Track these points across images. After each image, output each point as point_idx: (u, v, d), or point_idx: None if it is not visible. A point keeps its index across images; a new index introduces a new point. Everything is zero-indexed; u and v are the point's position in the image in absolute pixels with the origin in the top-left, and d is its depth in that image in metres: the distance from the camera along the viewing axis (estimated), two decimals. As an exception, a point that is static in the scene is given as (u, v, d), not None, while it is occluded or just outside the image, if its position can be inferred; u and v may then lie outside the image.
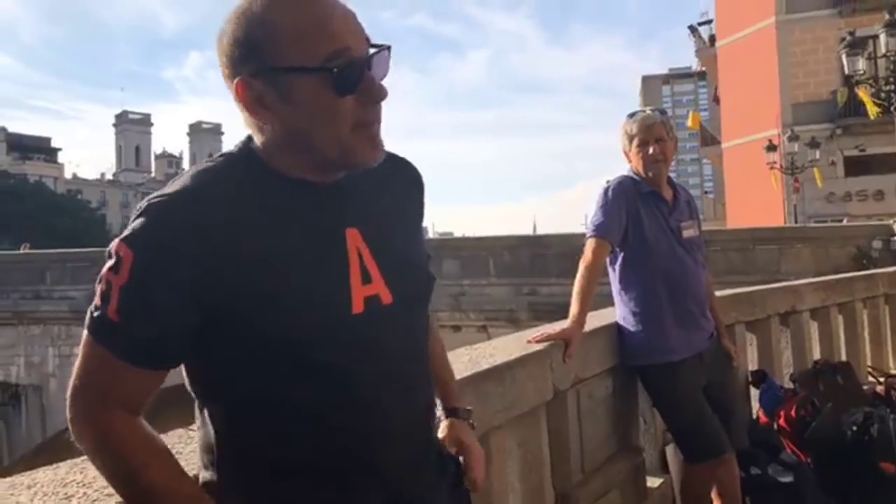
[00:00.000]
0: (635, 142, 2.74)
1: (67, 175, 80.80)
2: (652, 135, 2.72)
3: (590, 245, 2.71)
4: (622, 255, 2.77)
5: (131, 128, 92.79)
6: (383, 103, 0.98)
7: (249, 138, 1.02)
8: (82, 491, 1.08)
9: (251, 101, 0.95)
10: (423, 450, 1.09)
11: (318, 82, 0.93)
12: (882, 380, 4.54)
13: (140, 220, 0.92)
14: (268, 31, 0.93)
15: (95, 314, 0.94)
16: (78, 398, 0.96)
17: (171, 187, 0.95)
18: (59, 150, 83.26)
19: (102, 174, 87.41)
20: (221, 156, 1.03)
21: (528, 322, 12.13)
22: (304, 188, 0.99)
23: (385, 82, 0.98)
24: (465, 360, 2.05)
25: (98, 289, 0.94)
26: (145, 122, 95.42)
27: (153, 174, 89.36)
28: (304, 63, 0.92)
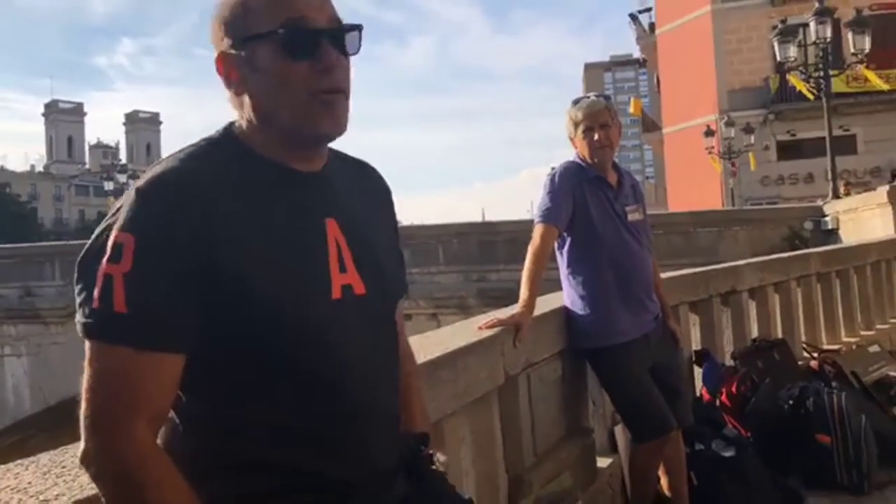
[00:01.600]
0: (580, 128, 2.77)
1: (-6, 167, 77.25)
2: (597, 121, 2.75)
3: (538, 230, 2.74)
4: (569, 239, 2.80)
5: (62, 118, 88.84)
6: (353, 85, 1.02)
7: (230, 124, 1.05)
8: (17, 497, 1.03)
9: (226, 74, 1.01)
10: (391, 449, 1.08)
11: (272, 47, 0.98)
12: (816, 355, 4.73)
13: (133, 205, 0.92)
14: (240, 7, 1.00)
15: (97, 316, 0.90)
16: (99, 422, 0.89)
17: (157, 170, 0.96)
18: (-16, 141, 79.41)
19: (32, 166, 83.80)
20: (202, 140, 1.04)
21: (478, 309, 12.20)
22: (287, 172, 1.02)
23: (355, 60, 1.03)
24: (417, 349, 2.03)
25: (95, 287, 0.90)
26: (77, 111, 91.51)
27: (88, 165, 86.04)
28: (263, 28, 0.98)
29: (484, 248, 12.88)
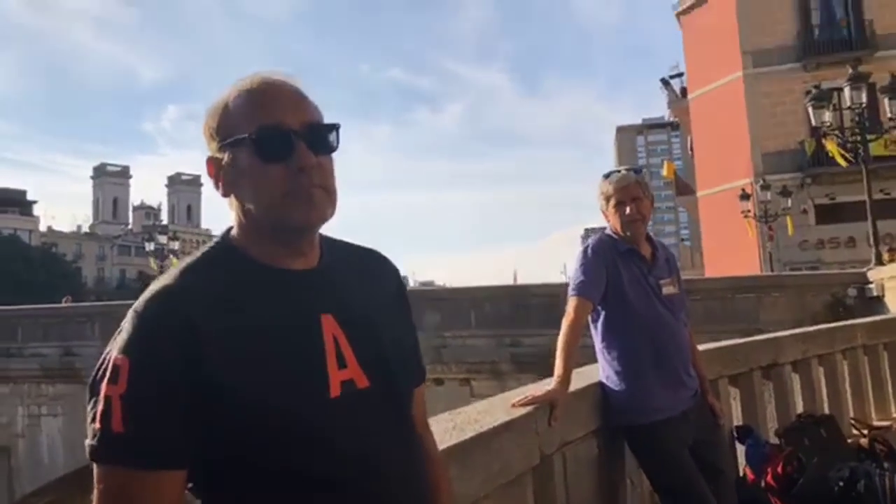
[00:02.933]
0: (612, 202, 2.78)
1: (42, 228, 79.94)
2: (628, 195, 2.76)
3: (571, 304, 2.71)
4: (603, 313, 2.77)
5: (109, 180, 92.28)
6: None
7: (228, 230, 1.09)
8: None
9: (214, 177, 1.07)
10: None
11: (248, 150, 1.02)
12: (865, 432, 4.53)
13: (129, 326, 0.96)
14: (224, 115, 1.06)
15: (99, 438, 0.92)
16: None
17: (152, 289, 1.00)
18: (35, 202, 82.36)
19: (79, 226, 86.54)
20: (200, 252, 1.08)
21: (510, 374, 12.03)
22: (279, 275, 1.04)
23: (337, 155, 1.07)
24: (450, 428, 2.00)
25: (96, 411, 0.93)
26: (123, 174, 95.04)
27: (131, 226, 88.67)
28: (241, 133, 1.03)
29: (517, 312, 12.76)
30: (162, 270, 26.42)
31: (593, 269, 2.72)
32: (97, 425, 0.92)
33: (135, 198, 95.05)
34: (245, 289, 1.01)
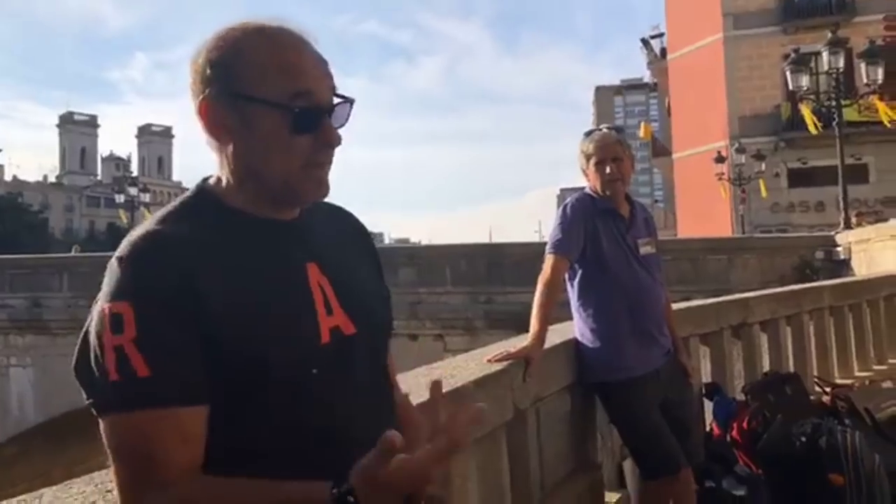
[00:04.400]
0: (592, 160, 2.76)
1: (7, 177, 77.90)
2: (609, 154, 2.74)
3: (548, 261, 2.72)
4: (580, 271, 2.78)
5: (76, 129, 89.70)
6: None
7: (203, 181, 1.06)
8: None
9: (211, 121, 1.00)
10: None
11: (277, 117, 0.97)
12: (828, 390, 4.65)
13: (118, 274, 0.93)
14: (241, 58, 0.98)
15: (121, 387, 0.88)
16: (138, 487, 0.89)
17: (134, 236, 0.96)
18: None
19: (45, 176, 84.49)
20: (178, 201, 1.04)
21: (484, 330, 12.14)
22: (263, 224, 1.02)
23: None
24: (424, 382, 2.00)
25: (105, 364, 0.89)
26: (91, 123, 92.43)
27: (100, 177, 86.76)
28: (269, 97, 0.97)
29: (491, 270, 12.84)
30: (132, 222, 26.01)
31: (571, 228, 2.72)
32: (115, 377, 0.88)
33: (103, 148, 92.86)
34: (232, 237, 0.99)
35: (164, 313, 0.90)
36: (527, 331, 2.59)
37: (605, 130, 2.83)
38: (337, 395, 0.99)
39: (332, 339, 1.00)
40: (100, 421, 0.91)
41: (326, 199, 1.16)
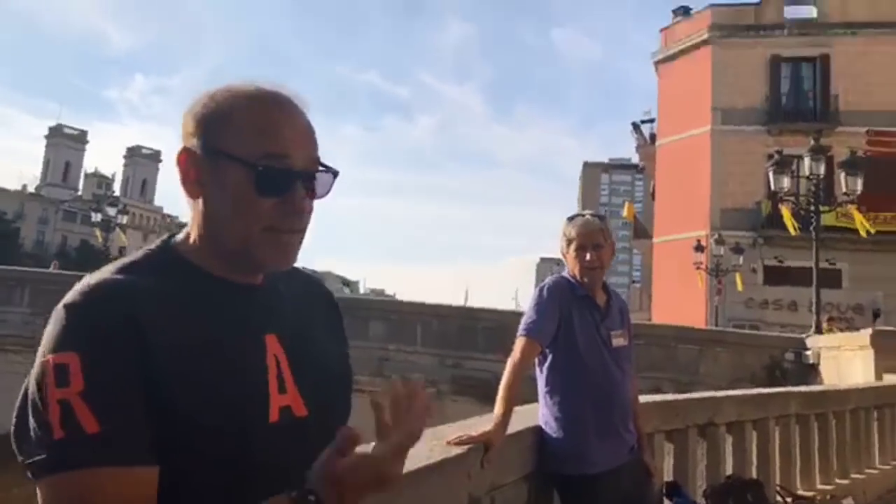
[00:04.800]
0: (573, 245, 2.73)
1: (-15, 183, 76.78)
2: (590, 241, 2.72)
3: (520, 343, 2.65)
4: (551, 356, 2.71)
5: (64, 142, 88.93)
6: (312, 219, 0.99)
7: (170, 237, 1.03)
8: None
9: (185, 172, 0.98)
10: None
11: (243, 175, 0.95)
12: (790, 500, 4.58)
13: (67, 322, 0.87)
14: (224, 118, 0.98)
15: (66, 445, 0.81)
16: None
17: (85, 283, 0.91)
18: (-19, 155, 79.40)
19: (24, 186, 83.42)
20: (141, 252, 1.01)
21: (448, 395, 11.95)
22: (226, 287, 0.98)
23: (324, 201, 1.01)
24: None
25: (48, 420, 0.81)
26: (80, 138, 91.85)
27: (80, 192, 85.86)
28: (238, 153, 0.95)
29: (463, 334, 12.74)
30: (107, 243, 25.61)
31: (546, 311, 2.67)
32: (60, 434, 0.81)
33: (88, 165, 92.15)
34: (190, 296, 0.94)
35: (112, 366, 0.84)
36: (492, 401, 2.51)
37: (588, 217, 2.81)
38: (278, 481, 0.90)
39: (281, 420, 0.94)
40: (38, 487, 0.82)
41: (297, 266, 1.10)
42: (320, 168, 0.99)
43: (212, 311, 0.95)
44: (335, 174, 1.00)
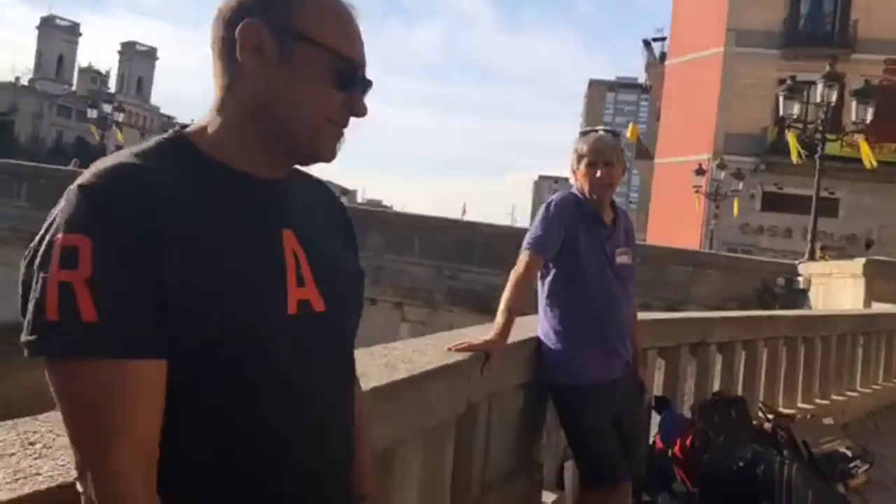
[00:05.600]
0: (584, 162, 2.69)
1: (-22, 73, 74.85)
2: (602, 158, 2.68)
3: (524, 257, 2.66)
4: (554, 271, 2.73)
5: (57, 34, 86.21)
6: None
7: (182, 127, 0.99)
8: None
9: (249, 47, 0.93)
10: (343, 482, 1.02)
11: (324, 63, 0.95)
12: (771, 417, 4.75)
13: (79, 202, 0.83)
14: (298, 3, 0.95)
15: (60, 330, 0.79)
16: (83, 453, 0.82)
17: (103, 165, 0.87)
18: (-28, 44, 76.98)
19: (17, 78, 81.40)
20: (153, 141, 0.96)
21: (444, 305, 12.15)
22: (243, 180, 0.95)
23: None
24: (381, 364, 1.94)
25: (46, 300, 0.79)
26: (73, 30, 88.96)
27: (74, 87, 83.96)
28: (326, 42, 0.95)
29: (460, 247, 12.82)
30: (103, 140, 25.29)
31: (552, 226, 2.66)
32: (54, 316, 0.79)
33: (82, 59, 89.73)
34: (208, 187, 0.92)
35: (125, 254, 0.81)
36: (487, 312, 2.54)
37: (601, 133, 2.76)
38: (295, 374, 0.92)
39: (299, 313, 0.93)
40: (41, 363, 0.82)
41: (306, 170, 1.09)
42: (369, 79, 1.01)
43: (230, 202, 0.92)
44: (370, 86, 1.02)
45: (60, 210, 0.83)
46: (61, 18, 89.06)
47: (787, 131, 15.26)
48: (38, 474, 0.98)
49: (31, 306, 0.81)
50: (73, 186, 0.85)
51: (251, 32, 0.93)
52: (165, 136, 0.97)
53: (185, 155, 0.93)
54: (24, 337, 0.81)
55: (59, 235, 0.81)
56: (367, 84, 1.01)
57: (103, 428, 0.81)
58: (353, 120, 1.00)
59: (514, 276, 2.64)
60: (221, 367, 0.87)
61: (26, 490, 0.93)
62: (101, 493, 0.82)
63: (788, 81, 13.85)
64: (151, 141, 0.96)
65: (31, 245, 0.85)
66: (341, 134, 1.00)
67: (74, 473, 0.90)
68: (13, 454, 1.06)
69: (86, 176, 0.85)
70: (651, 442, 3.77)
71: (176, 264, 0.84)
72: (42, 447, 1.09)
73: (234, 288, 0.88)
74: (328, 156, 1.00)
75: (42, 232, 0.84)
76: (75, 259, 0.80)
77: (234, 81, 0.95)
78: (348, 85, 0.98)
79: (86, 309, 0.79)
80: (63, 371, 0.81)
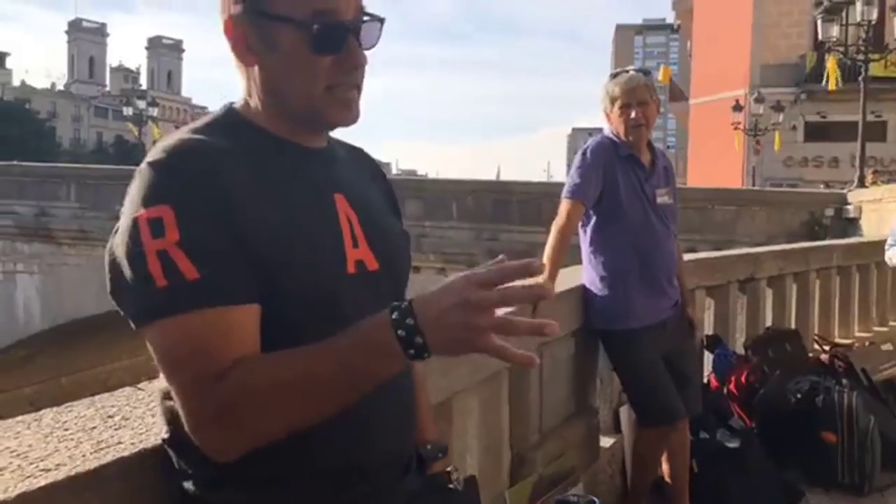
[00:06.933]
0: (617, 104, 2.67)
1: (16, 82, 76.79)
2: (635, 97, 2.65)
3: (564, 206, 2.67)
4: (595, 217, 2.73)
5: (85, 37, 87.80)
6: (367, 71, 0.99)
7: (230, 104, 1.04)
8: (16, 462, 0.99)
9: (236, 41, 0.98)
10: (408, 435, 1.07)
11: (297, 36, 0.95)
12: (827, 348, 4.67)
13: (153, 177, 0.89)
14: None
15: (169, 293, 0.85)
16: (203, 399, 0.85)
17: (168, 142, 0.94)
18: (8, 54, 78.93)
19: (53, 84, 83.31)
20: (208, 118, 1.02)
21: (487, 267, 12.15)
22: (294, 147, 1.01)
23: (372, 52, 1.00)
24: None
25: (146, 271, 0.85)
26: (100, 31, 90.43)
27: (108, 87, 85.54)
28: (288, 14, 0.95)
29: (497, 208, 12.79)
30: (141, 137, 25.76)
31: (589, 173, 2.66)
32: (163, 282, 0.84)
33: (112, 59, 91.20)
34: (264, 156, 0.97)
35: (205, 216, 0.87)
36: None
37: (632, 73, 2.72)
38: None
39: (358, 272, 0.99)
40: (146, 338, 0.88)
41: (344, 139, 1.14)
42: (367, 17, 0.98)
43: (285, 169, 0.98)
44: (381, 21, 1.00)
45: (136, 189, 0.90)
46: (88, 21, 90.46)
47: (827, 56, 14.68)
48: (120, 443, 1.06)
49: (133, 282, 0.87)
50: (144, 165, 0.91)
51: (235, 31, 0.97)
52: (217, 112, 1.03)
53: (239, 128, 0.99)
54: (135, 310, 0.88)
55: (142, 211, 0.87)
56: (356, 29, 0.97)
57: (208, 356, 0.85)
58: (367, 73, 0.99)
59: (555, 226, 2.65)
60: (298, 322, 0.91)
61: (109, 458, 1.01)
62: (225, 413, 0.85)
63: (826, 2, 13.26)
64: (203, 119, 1.01)
65: (116, 227, 0.91)
66: (351, 91, 0.99)
67: (156, 440, 0.96)
68: (94, 427, 1.14)
69: (153, 153, 0.92)
70: (705, 381, 3.77)
71: (248, 224, 0.89)
72: (121, 419, 1.17)
73: (303, 247, 0.93)
74: (345, 120, 1.00)
75: (124, 215, 0.90)
76: (161, 228, 0.86)
77: (244, 73, 1.00)
78: (330, 47, 0.95)
79: (187, 269, 0.85)
80: (174, 328, 0.85)
